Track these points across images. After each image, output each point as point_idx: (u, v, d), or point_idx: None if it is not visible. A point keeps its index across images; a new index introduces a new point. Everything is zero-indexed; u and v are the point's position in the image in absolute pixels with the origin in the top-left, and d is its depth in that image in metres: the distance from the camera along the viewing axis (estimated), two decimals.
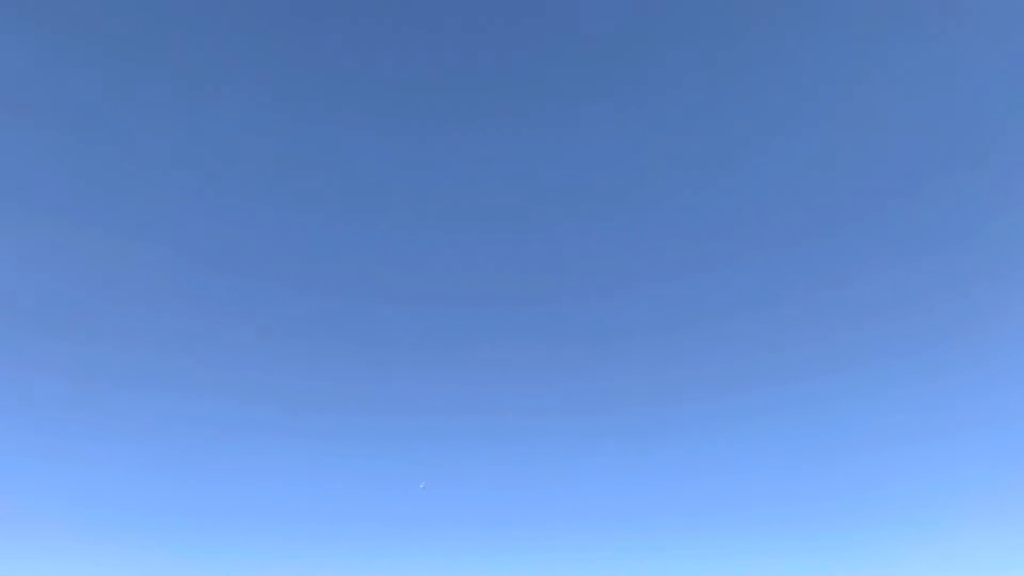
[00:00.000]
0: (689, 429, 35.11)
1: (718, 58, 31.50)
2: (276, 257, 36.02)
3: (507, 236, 36.30)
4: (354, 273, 36.94)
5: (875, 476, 31.94)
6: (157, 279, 35.01)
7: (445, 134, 33.79)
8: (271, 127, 33.28)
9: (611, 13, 31.00)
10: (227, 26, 31.17)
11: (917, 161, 32.19)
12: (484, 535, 33.01)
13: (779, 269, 35.53)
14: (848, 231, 33.81)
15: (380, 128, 33.90)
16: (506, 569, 31.38)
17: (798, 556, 29.87)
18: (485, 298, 37.01)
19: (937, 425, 32.10)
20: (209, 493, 33.22)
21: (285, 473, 34.63)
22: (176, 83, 31.22)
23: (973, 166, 31.20)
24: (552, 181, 34.85)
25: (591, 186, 34.84)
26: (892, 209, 33.12)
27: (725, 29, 30.84)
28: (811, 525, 31.31)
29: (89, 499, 31.75)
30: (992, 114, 30.29)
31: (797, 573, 29.19)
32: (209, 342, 35.84)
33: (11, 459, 31.22)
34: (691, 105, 32.76)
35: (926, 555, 28.32)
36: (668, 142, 33.89)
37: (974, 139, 30.87)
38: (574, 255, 36.42)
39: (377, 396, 36.79)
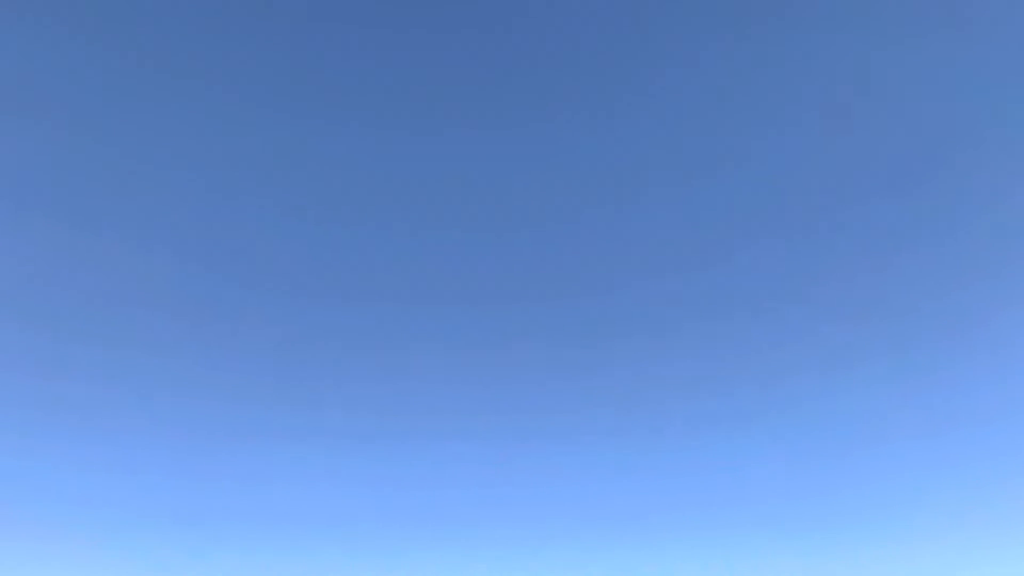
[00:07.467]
0: (688, 428, 35.25)
1: (713, 54, 31.61)
2: (276, 257, 36.17)
3: (505, 235, 36.38)
4: (351, 272, 37.11)
5: (876, 476, 32.04)
6: (156, 279, 35.14)
7: (440, 133, 33.92)
8: (271, 127, 33.42)
9: (608, 10, 31.12)
10: (227, 26, 31.26)
11: (918, 159, 32.32)
12: (483, 535, 33.11)
13: (777, 267, 35.65)
14: (847, 228, 33.92)
15: (377, 127, 34.02)
16: (506, 569, 31.48)
17: (798, 556, 29.95)
18: (485, 297, 37.14)
19: (937, 424, 32.18)
20: (208, 493, 33.29)
21: (285, 473, 34.76)
22: (176, 82, 31.33)
23: (974, 163, 31.32)
24: (550, 180, 35.01)
25: (589, 185, 35.01)
26: (893, 206, 33.23)
27: (719, 26, 30.93)
28: (811, 525, 31.36)
29: (89, 499, 31.83)
30: (992, 113, 30.42)
31: (797, 573, 29.25)
32: (208, 343, 35.99)
33: (11, 459, 31.34)
34: (690, 103, 32.84)
35: (926, 555, 28.37)
36: (664, 141, 34.00)
37: (973, 138, 30.99)
38: (572, 254, 36.55)
39: (377, 396, 36.97)
